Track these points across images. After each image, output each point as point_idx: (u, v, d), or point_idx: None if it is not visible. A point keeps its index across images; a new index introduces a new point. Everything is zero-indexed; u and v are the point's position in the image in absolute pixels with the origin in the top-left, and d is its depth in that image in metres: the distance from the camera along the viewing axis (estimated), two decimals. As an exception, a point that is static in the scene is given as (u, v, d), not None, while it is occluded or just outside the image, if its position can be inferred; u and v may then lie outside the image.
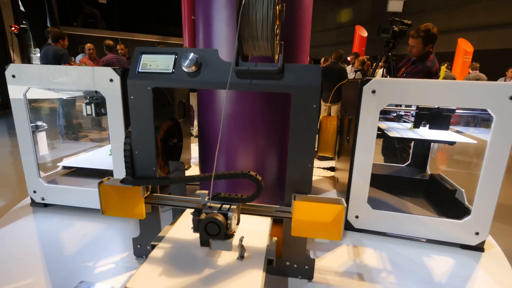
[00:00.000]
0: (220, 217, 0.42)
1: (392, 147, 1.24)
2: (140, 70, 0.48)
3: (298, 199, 0.46)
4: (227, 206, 0.45)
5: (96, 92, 0.69)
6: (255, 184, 0.45)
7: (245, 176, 0.45)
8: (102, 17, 6.55)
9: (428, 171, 0.92)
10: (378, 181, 0.85)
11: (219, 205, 0.45)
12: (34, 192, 0.73)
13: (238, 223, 0.48)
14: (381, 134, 0.75)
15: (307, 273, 0.51)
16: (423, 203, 0.77)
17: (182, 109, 0.90)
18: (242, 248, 0.45)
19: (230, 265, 0.43)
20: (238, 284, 0.39)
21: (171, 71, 0.47)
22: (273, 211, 0.48)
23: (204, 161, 0.76)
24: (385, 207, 0.66)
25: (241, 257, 0.45)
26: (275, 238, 0.51)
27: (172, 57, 0.48)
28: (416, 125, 0.78)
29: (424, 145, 0.94)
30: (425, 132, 0.79)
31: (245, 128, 0.67)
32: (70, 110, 2.10)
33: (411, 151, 1.00)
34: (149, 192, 0.51)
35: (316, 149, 0.91)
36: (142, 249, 0.55)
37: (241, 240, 0.44)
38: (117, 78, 0.61)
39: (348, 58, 3.64)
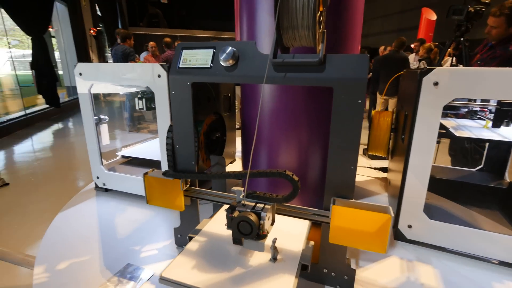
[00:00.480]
0: (253, 217, 0.41)
1: (461, 147, 1.07)
2: (180, 66, 0.49)
3: (338, 203, 0.42)
4: (262, 205, 0.44)
5: (147, 87, 0.74)
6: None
7: (281, 176, 0.43)
8: (163, 16, 7.03)
9: (507, 179, 0.78)
10: (441, 187, 0.74)
11: (253, 204, 0.44)
12: (97, 177, 0.82)
13: (272, 223, 0.46)
14: (445, 133, 0.65)
15: (346, 284, 0.47)
16: (498, 217, 0.65)
17: (227, 103, 0.91)
18: (275, 250, 0.43)
19: (262, 267, 0.42)
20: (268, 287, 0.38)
21: (209, 65, 0.47)
22: (310, 214, 0.45)
23: (246, 157, 0.76)
24: (447, 218, 0.58)
25: (274, 259, 0.43)
26: (312, 243, 0.48)
27: (211, 51, 0.47)
28: (496, 123, 0.65)
29: (502, 147, 0.79)
30: (506, 132, 0.66)
31: (287, 125, 0.64)
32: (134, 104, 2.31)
33: (484, 152, 0.86)
34: (188, 186, 0.52)
35: (366, 147, 0.83)
36: (181, 239, 0.57)
37: (274, 241, 0.43)
38: (164, 74, 0.64)
39: (412, 46, 3.28)
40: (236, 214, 0.42)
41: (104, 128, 0.87)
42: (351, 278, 0.46)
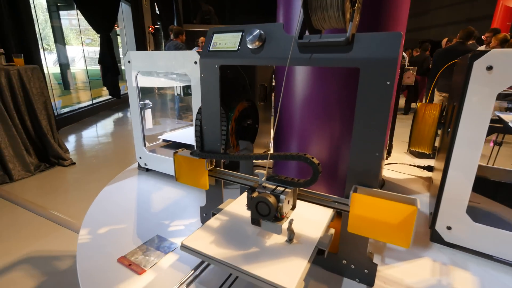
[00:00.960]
0: (271, 198, 0.41)
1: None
2: (210, 49, 0.50)
3: (359, 191, 0.40)
4: (282, 188, 0.44)
5: (185, 74, 0.78)
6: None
7: (300, 159, 0.42)
8: (215, 13, 7.29)
9: None
10: (496, 190, 0.66)
11: (273, 187, 0.44)
12: (140, 158, 0.89)
13: (293, 208, 0.45)
14: (503, 127, 0.57)
15: (367, 278, 0.44)
16: None
17: (263, 92, 0.91)
18: (291, 231, 0.42)
19: (277, 247, 0.42)
20: (279, 267, 0.37)
21: (236, 48, 0.48)
22: (331, 201, 0.44)
23: (276, 145, 0.76)
24: (495, 223, 0.50)
25: (290, 240, 0.43)
26: (332, 230, 0.46)
27: (239, 34, 0.48)
28: None
29: None
30: None
31: (319, 114, 0.63)
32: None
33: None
34: (213, 166, 0.54)
35: (408, 143, 0.77)
36: (206, 217, 0.59)
37: (290, 222, 0.42)
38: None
39: (483, 37, 2.91)
40: (255, 195, 0.43)
41: (148, 113, 0.94)
42: (372, 272, 0.43)
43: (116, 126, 3.80)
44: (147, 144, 0.92)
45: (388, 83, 0.37)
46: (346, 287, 0.44)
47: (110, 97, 4.58)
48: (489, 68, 0.45)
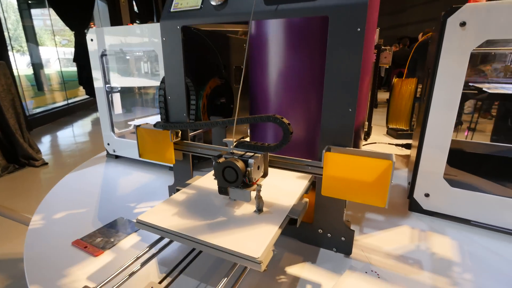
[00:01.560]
0: (239, 163, 0.38)
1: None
2: (171, 10, 0.46)
3: (333, 151, 0.37)
4: (252, 154, 0.40)
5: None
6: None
7: (269, 119, 0.39)
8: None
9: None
10: (472, 162, 0.65)
11: (243, 153, 0.41)
12: (108, 144, 0.83)
13: (264, 176, 0.42)
14: (477, 93, 0.56)
15: (344, 246, 0.41)
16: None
17: (239, 75, 0.88)
18: (259, 200, 0.39)
19: (245, 217, 0.38)
20: (245, 237, 0.34)
21: (199, 6, 0.44)
22: (303, 165, 0.41)
23: (252, 125, 0.72)
24: (471, 189, 0.49)
25: (259, 210, 0.39)
26: (306, 199, 0.44)
27: (202, -9, 0.44)
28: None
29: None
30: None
31: (292, 85, 0.60)
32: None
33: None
34: (178, 138, 0.50)
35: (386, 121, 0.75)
36: (175, 197, 0.55)
37: (258, 190, 0.39)
38: (166, 32, 0.62)
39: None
40: (221, 160, 0.39)
41: (116, 97, 0.88)
42: (349, 239, 0.41)
43: (93, 125, 3.65)
44: (117, 131, 0.86)
45: (359, 29, 0.34)
46: (323, 258, 0.41)
47: (87, 96, 4.41)
48: (463, 24, 0.43)
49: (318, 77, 0.56)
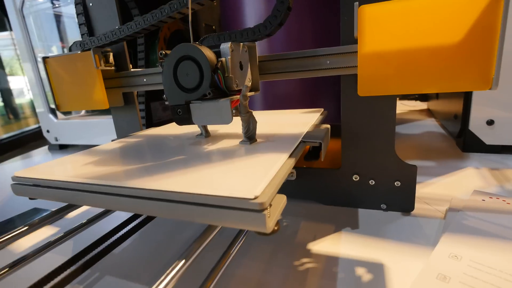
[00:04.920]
0: (204, 50, 0.20)
1: None
2: None
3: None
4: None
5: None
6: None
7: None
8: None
9: None
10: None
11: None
12: (48, 131, 0.64)
13: (254, 89, 0.25)
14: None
15: (400, 197, 0.24)
16: None
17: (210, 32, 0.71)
18: (247, 117, 0.21)
19: (226, 151, 0.20)
20: (231, 174, 0.16)
21: None
22: (319, 57, 0.24)
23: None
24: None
25: (248, 138, 0.22)
26: (327, 126, 0.26)
27: None
28: None
29: None
30: None
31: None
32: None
33: None
34: (110, 64, 0.31)
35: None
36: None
37: (244, 97, 0.21)
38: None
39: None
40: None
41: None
42: (410, 184, 0.24)
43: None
44: (61, 116, 0.66)
45: None
46: (366, 222, 0.24)
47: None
48: None
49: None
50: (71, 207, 0.22)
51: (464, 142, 0.37)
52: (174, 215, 0.14)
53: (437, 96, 0.58)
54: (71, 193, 0.17)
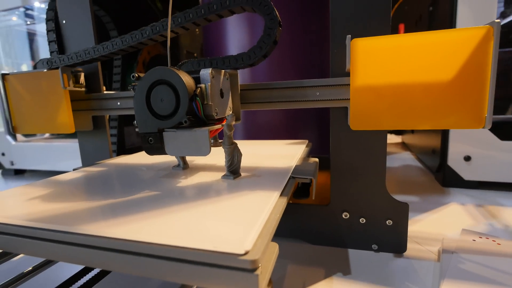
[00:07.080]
0: (181, 74, 0.18)
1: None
2: None
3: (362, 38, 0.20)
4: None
5: None
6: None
7: (244, 2, 0.21)
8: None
9: None
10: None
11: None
12: (2, 154, 0.57)
13: (236, 118, 0.23)
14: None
15: (392, 237, 0.23)
16: None
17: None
18: (231, 149, 0.19)
19: (205, 186, 0.18)
20: (210, 219, 0.14)
21: None
22: (308, 88, 0.23)
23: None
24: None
25: (231, 172, 0.19)
26: (315, 159, 0.25)
27: None
28: None
29: None
30: None
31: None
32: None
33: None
34: (81, 85, 0.29)
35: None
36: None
37: (229, 127, 0.19)
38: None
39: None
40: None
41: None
42: (402, 223, 0.22)
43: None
44: (21, 138, 0.60)
45: None
46: (358, 265, 0.22)
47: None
48: None
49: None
50: (7, 255, 0.18)
51: (443, 177, 0.37)
52: (138, 271, 0.11)
53: (412, 130, 0.60)
54: (5, 238, 0.14)
